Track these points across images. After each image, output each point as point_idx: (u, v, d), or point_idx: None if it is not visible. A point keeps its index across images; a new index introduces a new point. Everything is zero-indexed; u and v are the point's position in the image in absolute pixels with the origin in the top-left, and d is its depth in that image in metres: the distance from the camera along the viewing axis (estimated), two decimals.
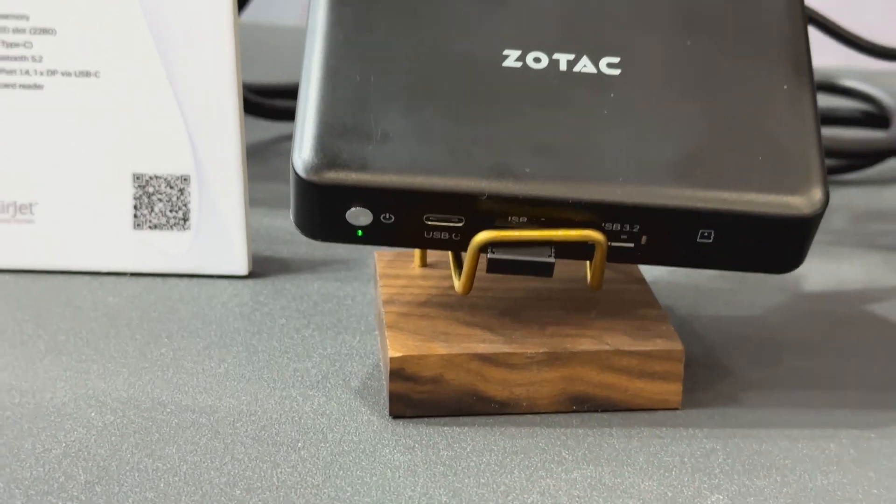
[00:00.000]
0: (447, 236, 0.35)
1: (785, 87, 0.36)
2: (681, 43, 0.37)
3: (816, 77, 0.51)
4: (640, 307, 0.38)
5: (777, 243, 0.35)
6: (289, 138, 0.60)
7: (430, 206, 0.35)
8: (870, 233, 0.49)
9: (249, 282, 0.45)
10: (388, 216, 0.35)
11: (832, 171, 0.54)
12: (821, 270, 0.45)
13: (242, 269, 0.45)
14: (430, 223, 0.35)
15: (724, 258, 0.36)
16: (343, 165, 0.34)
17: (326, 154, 0.35)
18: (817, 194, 0.35)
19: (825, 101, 0.59)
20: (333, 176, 0.34)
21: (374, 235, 0.35)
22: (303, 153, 0.35)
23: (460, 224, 0.35)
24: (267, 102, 0.61)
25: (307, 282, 0.45)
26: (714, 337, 0.41)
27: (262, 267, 0.46)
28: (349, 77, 0.36)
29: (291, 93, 0.64)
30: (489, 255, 0.35)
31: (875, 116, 0.60)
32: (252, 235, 0.46)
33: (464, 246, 0.36)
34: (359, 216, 0.35)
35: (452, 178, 0.34)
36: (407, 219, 0.35)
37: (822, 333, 0.41)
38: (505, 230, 0.35)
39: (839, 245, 0.48)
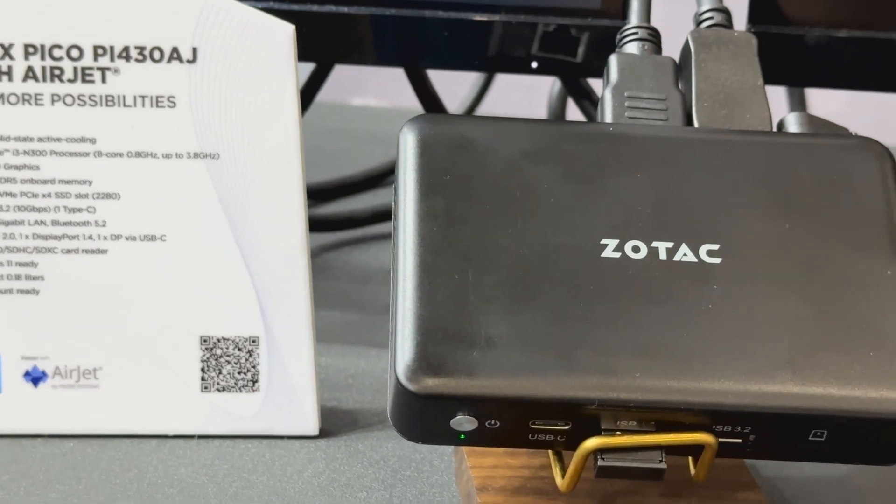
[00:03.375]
0: (552, 438, 0.35)
1: (889, 272, 0.36)
2: (779, 226, 0.36)
3: None
4: (738, 489, 0.38)
5: (890, 441, 0.35)
6: (332, 249, 0.59)
7: (538, 414, 0.34)
8: None
9: (321, 443, 0.43)
10: (493, 422, 0.34)
11: None
12: None
13: (313, 429, 0.44)
14: (535, 427, 0.34)
15: (834, 454, 0.35)
16: (448, 374, 0.34)
17: (431, 362, 0.34)
18: None
19: None
20: (438, 385, 0.33)
21: (478, 439, 0.35)
22: (405, 361, 0.34)
23: (567, 427, 0.34)
24: (314, 214, 0.60)
25: (380, 441, 0.44)
26: None
27: (330, 423, 0.45)
28: (447, 275, 0.35)
29: (322, 195, 0.63)
30: (599, 463, 0.34)
31: None
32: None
33: (569, 446, 0.35)
34: (463, 423, 0.34)
35: (561, 386, 0.34)
36: (512, 425, 0.34)
37: None
38: (614, 437, 0.34)
39: None
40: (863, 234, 0.36)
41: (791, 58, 0.46)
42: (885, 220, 0.37)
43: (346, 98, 0.82)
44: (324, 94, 0.72)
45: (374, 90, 0.83)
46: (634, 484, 0.38)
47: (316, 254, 0.59)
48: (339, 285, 0.55)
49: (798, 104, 0.57)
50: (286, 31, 0.41)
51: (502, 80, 0.69)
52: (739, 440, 0.35)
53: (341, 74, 0.80)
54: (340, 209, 0.62)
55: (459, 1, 0.46)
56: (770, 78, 0.45)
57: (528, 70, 0.46)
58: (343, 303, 0.54)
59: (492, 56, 0.47)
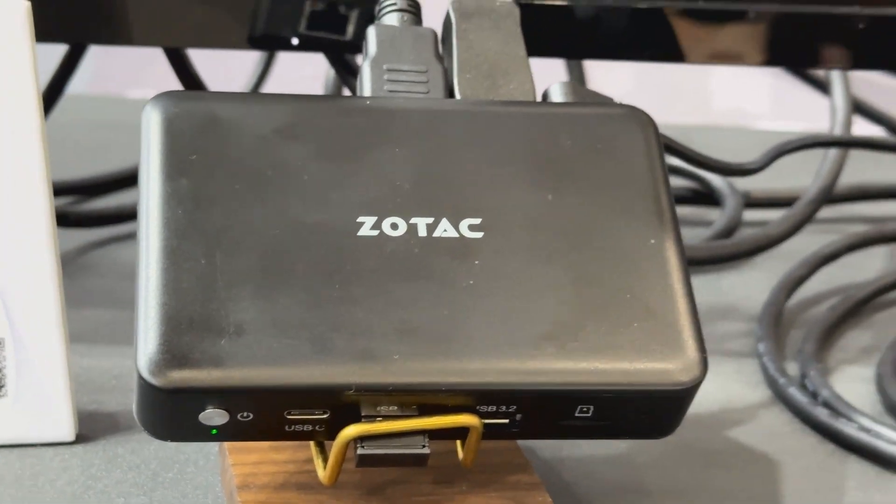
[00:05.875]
0: (311, 428, 0.33)
1: (652, 241, 0.35)
2: (542, 198, 0.35)
3: None
4: (511, 472, 0.36)
5: (657, 413, 0.34)
6: (99, 246, 0.56)
7: (293, 403, 0.32)
8: (717, 336, 0.49)
9: (78, 448, 0.41)
10: (246, 415, 0.32)
11: None
12: None
13: (69, 435, 0.41)
14: (291, 417, 0.32)
15: (603, 430, 0.34)
16: (194, 366, 0.31)
17: (175, 354, 0.31)
18: (696, 363, 0.33)
19: None
20: (184, 378, 0.31)
21: (231, 433, 0.32)
22: (147, 353, 0.31)
23: (325, 416, 0.32)
24: (72, 210, 0.57)
25: (142, 444, 0.41)
26: (584, 485, 0.39)
27: (88, 427, 0.42)
28: (193, 260, 0.33)
29: (93, 190, 0.60)
30: (358, 451, 0.32)
31: (702, 194, 0.60)
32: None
33: (329, 436, 0.33)
34: (213, 417, 0.32)
35: (315, 373, 0.32)
36: (267, 416, 0.32)
37: (693, 474, 0.40)
38: (374, 423, 0.32)
39: None
40: (626, 203, 0.35)
41: (560, 29, 0.45)
42: (648, 189, 0.36)
43: (122, 91, 0.79)
44: (99, 87, 0.68)
45: (152, 82, 0.80)
46: (404, 472, 0.36)
47: (83, 251, 0.56)
48: (106, 282, 0.52)
49: (578, 80, 0.57)
50: (19, 7, 0.38)
51: (280, 72, 0.67)
52: (506, 420, 0.33)
53: (118, 67, 0.76)
54: (110, 204, 0.59)
55: None
56: (543, 51, 0.44)
57: (288, 47, 0.44)
58: (109, 301, 0.51)
59: (252, 34, 0.44)
